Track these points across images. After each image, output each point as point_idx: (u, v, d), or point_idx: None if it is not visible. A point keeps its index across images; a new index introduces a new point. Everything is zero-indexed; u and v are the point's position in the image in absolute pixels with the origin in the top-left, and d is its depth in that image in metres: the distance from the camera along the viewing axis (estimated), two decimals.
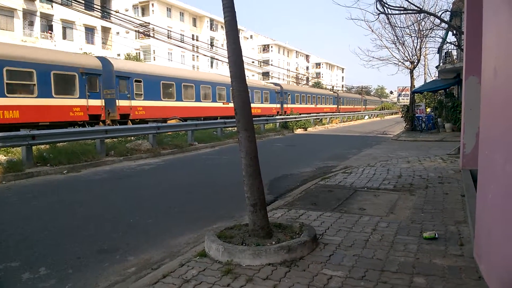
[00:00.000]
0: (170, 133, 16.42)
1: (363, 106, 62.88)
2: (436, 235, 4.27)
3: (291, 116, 26.71)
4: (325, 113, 37.26)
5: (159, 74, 21.77)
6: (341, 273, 3.43)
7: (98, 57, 19.55)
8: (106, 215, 5.95)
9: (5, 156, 10.31)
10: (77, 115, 16.92)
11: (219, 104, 26.35)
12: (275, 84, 37.45)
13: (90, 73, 17.49)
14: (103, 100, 18.03)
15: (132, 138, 14.35)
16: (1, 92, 14.10)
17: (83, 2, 22.78)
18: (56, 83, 16.00)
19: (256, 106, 30.42)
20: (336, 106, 50.11)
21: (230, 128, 19.51)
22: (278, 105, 34.78)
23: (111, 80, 18.46)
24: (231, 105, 24.18)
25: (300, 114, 30.32)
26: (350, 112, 45.74)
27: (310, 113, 33.41)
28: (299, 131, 25.22)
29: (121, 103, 18.91)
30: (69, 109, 16.59)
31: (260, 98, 31.91)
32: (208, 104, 25.27)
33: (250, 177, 4.07)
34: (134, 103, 19.68)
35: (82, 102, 17.05)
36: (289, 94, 37.17)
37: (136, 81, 19.87)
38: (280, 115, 31.44)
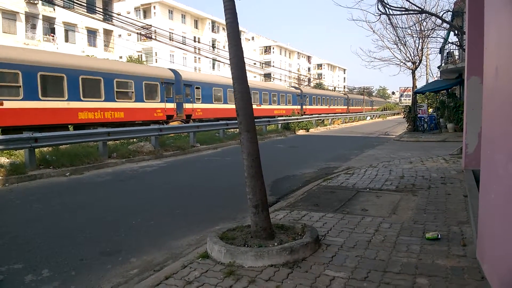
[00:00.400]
0: (172, 135, 16.45)
1: (370, 107, 65.83)
2: (439, 236, 4.26)
3: (293, 118, 26.75)
4: (336, 113, 40.68)
5: (211, 82, 26.36)
6: (343, 274, 3.42)
7: (171, 70, 23.59)
8: (109, 217, 5.96)
9: (8, 158, 10.35)
10: (158, 116, 21.01)
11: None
12: (296, 88, 42.69)
13: (167, 82, 21.74)
14: (175, 103, 22.25)
15: (135, 140, 14.38)
16: (113, 97, 18.41)
17: (85, 5, 22.87)
18: (146, 90, 20.34)
19: (282, 107, 35.10)
20: (346, 107, 52.71)
21: (232, 130, 19.52)
22: (299, 107, 38.59)
23: (180, 87, 22.74)
24: (263, 106, 31.27)
25: (316, 114, 34.76)
26: (359, 112, 49.49)
27: (327, 113, 37.11)
28: (301, 132, 25.21)
29: (186, 106, 23.08)
30: (153, 111, 20.84)
31: (285, 100, 36.12)
32: None
33: (252, 178, 4.07)
34: (195, 106, 23.94)
35: (162, 105, 21.37)
36: (307, 97, 41.04)
37: (196, 88, 24.28)
38: (301, 115, 34.37)
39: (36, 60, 15.22)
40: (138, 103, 19.84)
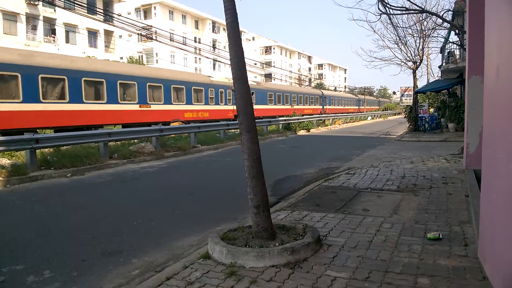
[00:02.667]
0: (173, 135, 16.46)
1: (377, 106, 69.61)
2: (440, 236, 4.25)
3: (294, 118, 26.76)
4: (349, 113, 44.90)
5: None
6: (345, 274, 3.42)
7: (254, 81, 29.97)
8: (110, 218, 5.96)
9: (9, 159, 10.35)
10: (229, 116, 26.39)
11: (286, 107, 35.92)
12: (319, 89, 52.20)
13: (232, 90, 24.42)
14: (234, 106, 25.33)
15: (135, 141, 14.38)
16: (191, 100, 23.55)
17: (85, 6, 22.89)
18: (224, 95, 26.83)
19: (308, 107, 41.12)
20: (357, 107, 56.77)
21: (233, 130, 19.52)
22: (320, 107, 45.02)
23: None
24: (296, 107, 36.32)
25: (333, 113, 39.58)
26: (370, 112, 54.37)
27: (342, 113, 41.89)
28: (302, 132, 25.19)
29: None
30: (228, 112, 26.82)
31: (308, 101, 42.26)
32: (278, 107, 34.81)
33: (253, 178, 4.07)
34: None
35: (233, 107, 26.08)
36: (327, 98, 47.68)
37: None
38: (322, 114, 40.71)
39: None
40: (220, 106, 26.50)
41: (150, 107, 20.36)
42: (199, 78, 26.41)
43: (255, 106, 24.33)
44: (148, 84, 20.23)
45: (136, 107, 19.59)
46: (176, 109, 22.18)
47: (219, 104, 26.35)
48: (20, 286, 3.65)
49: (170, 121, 20.71)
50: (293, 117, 27.03)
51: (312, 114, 35.25)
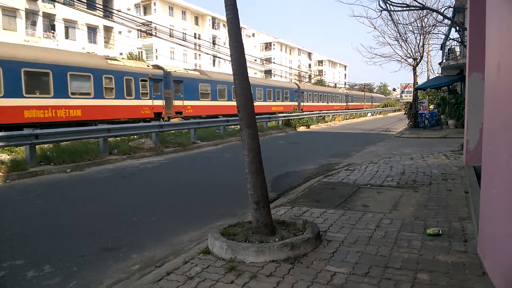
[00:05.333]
0: (173, 131, 16.45)
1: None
2: (440, 232, 4.26)
3: (293, 114, 26.75)
4: (360, 109, 48.24)
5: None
6: (344, 269, 3.43)
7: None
8: (110, 213, 5.97)
9: (9, 155, 10.34)
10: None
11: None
12: (344, 89, 59.12)
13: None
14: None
15: (135, 136, 14.37)
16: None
17: (85, 1, 22.80)
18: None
19: (333, 104, 46.10)
20: (346, 104, 55.57)
21: (232, 126, 19.52)
22: (345, 104, 50.11)
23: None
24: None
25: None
26: (359, 109, 53.25)
27: (359, 109, 46.05)
28: (301, 128, 25.19)
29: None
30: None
31: (334, 99, 47.36)
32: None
33: (253, 174, 4.07)
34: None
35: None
36: (349, 96, 51.49)
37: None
38: (346, 109, 43.64)
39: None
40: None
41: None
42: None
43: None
44: None
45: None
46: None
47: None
48: (20, 281, 3.66)
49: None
50: (293, 114, 27.01)
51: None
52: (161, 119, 21.03)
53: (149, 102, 20.50)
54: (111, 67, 18.77)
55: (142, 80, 20.16)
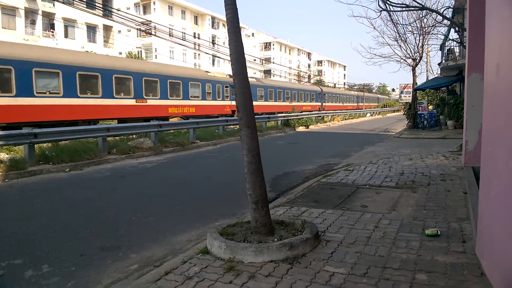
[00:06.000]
0: (172, 131, 16.44)
1: (375, 104, 71.39)
2: (438, 232, 4.26)
3: (293, 114, 26.77)
4: (348, 110, 48.19)
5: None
6: (343, 270, 3.43)
7: None
8: (108, 213, 5.96)
9: (7, 154, 10.34)
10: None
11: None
12: (355, 91, 64.64)
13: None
14: None
15: (134, 136, 14.36)
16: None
17: (84, 0, 22.78)
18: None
19: (348, 104, 51.88)
20: (356, 104, 58.24)
21: (231, 126, 19.52)
22: (356, 104, 54.28)
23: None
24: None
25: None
26: (370, 109, 56.51)
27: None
28: (300, 128, 25.20)
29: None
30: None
31: (348, 100, 52.13)
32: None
33: (252, 174, 4.07)
34: None
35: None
36: (359, 98, 56.23)
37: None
38: (358, 109, 47.68)
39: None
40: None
41: None
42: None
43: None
44: None
45: None
46: None
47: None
48: (19, 280, 3.65)
49: None
50: (292, 114, 27.03)
51: (311, 111, 35.32)
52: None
53: (228, 103, 26.60)
54: (209, 77, 25.57)
55: (226, 87, 26.49)
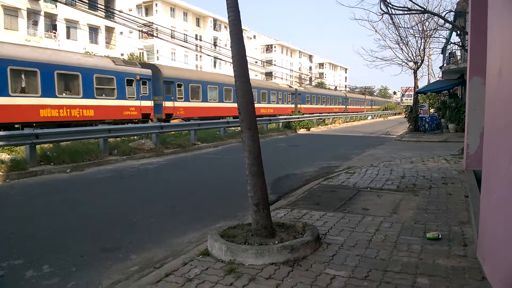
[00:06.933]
0: (173, 132, 16.45)
1: (370, 106, 69.96)
2: (440, 236, 4.25)
3: (294, 116, 26.77)
4: (375, 111, 53.10)
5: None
6: (344, 273, 3.42)
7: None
8: (109, 214, 5.96)
9: (9, 154, 10.35)
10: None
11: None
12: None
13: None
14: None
15: (135, 137, 14.38)
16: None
17: (87, 1, 22.85)
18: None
19: (357, 107, 56.75)
20: (344, 106, 56.72)
21: (233, 128, 19.53)
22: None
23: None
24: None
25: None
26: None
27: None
28: (302, 131, 25.20)
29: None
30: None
31: (359, 103, 56.37)
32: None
33: (253, 176, 4.07)
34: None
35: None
36: (368, 101, 60.62)
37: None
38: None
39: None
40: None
41: None
42: None
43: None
44: None
45: None
46: None
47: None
48: (19, 281, 3.65)
49: None
50: (293, 116, 27.03)
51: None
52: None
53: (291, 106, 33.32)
54: (270, 85, 31.25)
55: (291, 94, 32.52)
